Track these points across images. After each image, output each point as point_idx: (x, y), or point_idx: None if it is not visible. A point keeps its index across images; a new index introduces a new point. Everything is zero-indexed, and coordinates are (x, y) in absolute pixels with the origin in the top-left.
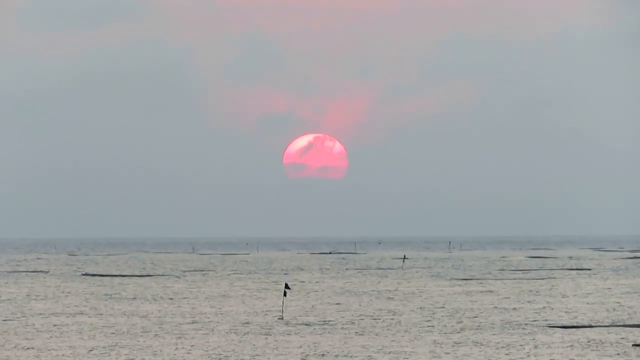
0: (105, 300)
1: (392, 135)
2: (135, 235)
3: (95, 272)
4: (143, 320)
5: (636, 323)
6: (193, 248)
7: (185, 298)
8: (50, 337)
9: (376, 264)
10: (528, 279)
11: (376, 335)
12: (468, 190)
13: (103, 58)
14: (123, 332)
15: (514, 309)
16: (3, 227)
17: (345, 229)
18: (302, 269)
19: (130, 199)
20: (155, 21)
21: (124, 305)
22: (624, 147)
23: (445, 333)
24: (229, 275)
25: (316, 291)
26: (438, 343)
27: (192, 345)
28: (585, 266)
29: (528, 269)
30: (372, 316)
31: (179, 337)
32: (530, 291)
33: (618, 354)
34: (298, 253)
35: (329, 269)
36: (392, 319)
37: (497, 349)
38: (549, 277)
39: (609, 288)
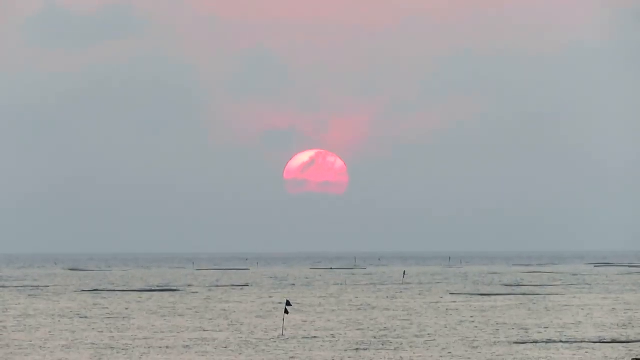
0: (102, 316)
1: (393, 151)
2: (135, 251)
3: (93, 288)
4: (136, 335)
5: (636, 339)
6: (193, 263)
7: (183, 314)
8: (46, 353)
9: (376, 279)
10: (528, 294)
11: (379, 352)
12: (469, 206)
13: (105, 74)
14: (115, 348)
15: (515, 324)
16: (3, 243)
17: (346, 245)
18: (303, 285)
19: (129, 214)
20: (157, 37)
21: (120, 321)
22: (625, 163)
23: (447, 349)
24: (228, 290)
25: (317, 308)
26: (442, 357)
27: None
28: (585, 281)
29: (528, 284)
30: (375, 331)
31: (175, 354)
32: (530, 307)
33: None
34: (298, 269)
35: (330, 284)
36: (397, 334)
37: None
38: (550, 293)
39: (609, 303)
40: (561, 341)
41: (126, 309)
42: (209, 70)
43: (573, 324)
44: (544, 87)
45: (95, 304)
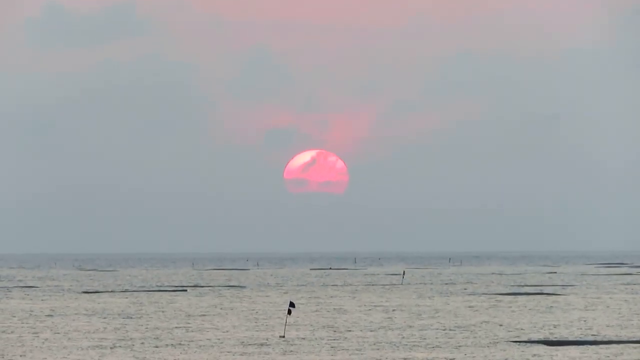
0: (103, 315)
1: (394, 152)
2: (134, 251)
3: (95, 289)
4: (137, 335)
5: (637, 339)
6: (193, 264)
7: (181, 314)
8: (47, 352)
9: (375, 280)
10: (529, 294)
11: (380, 353)
12: (469, 206)
13: (107, 74)
14: (115, 347)
15: (515, 323)
16: (6, 243)
17: (346, 245)
18: (303, 285)
19: (129, 214)
20: (159, 37)
21: (121, 321)
22: (626, 163)
23: (448, 349)
24: (229, 291)
25: (317, 308)
26: (443, 357)
27: None
28: (587, 282)
29: (529, 284)
30: (375, 332)
31: (172, 354)
32: (531, 307)
33: None
34: (298, 269)
35: (330, 284)
36: (396, 335)
37: None
38: (552, 293)
39: (611, 303)
40: (563, 341)
41: (126, 309)
42: (211, 70)
43: (574, 323)
44: (545, 88)
45: (96, 304)
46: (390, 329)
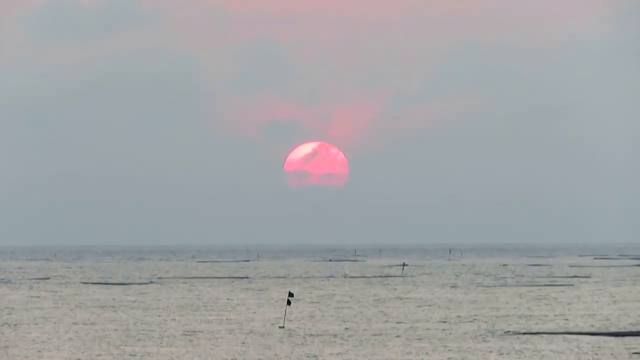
0: (102, 307)
1: (396, 144)
2: (134, 243)
3: (95, 280)
4: (135, 327)
5: (636, 331)
6: (193, 256)
7: (182, 305)
8: (45, 345)
9: (376, 271)
10: (529, 286)
11: (384, 345)
12: (470, 198)
13: (109, 66)
14: (117, 339)
15: (515, 315)
16: (6, 235)
17: (346, 237)
18: (303, 277)
19: (130, 206)
20: (161, 29)
21: (120, 313)
22: (627, 156)
23: (448, 340)
24: (228, 282)
25: (316, 300)
26: (443, 349)
27: (185, 352)
28: (587, 274)
29: (529, 276)
30: (374, 324)
31: (172, 345)
32: (530, 298)
33: None
34: (298, 260)
35: (330, 276)
36: (395, 327)
37: (497, 356)
38: (551, 285)
39: (609, 295)
40: (561, 333)
41: (127, 301)
42: (213, 62)
43: (572, 315)
44: (546, 80)
45: (97, 296)
46: (387, 320)
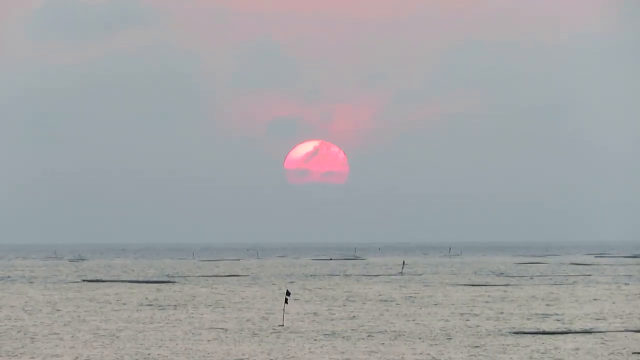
0: (104, 306)
1: (397, 142)
2: (135, 241)
3: (96, 278)
4: (136, 326)
5: (636, 329)
6: (193, 254)
7: (182, 304)
8: (50, 345)
9: (375, 270)
10: (528, 285)
11: (382, 344)
12: (470, 196)
13: (110, 64)
14: (116, 337)
15: (515, 314)
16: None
17: (346, 235)
18: (303, 275)
19: (131, 204)
20: (164, 27)
21: (123, 312)
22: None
23: (448, 339)
24: (229, 280)
25: (316, 298)
26: (443, 347)
27: (185, 350)
28: (587, 272)
29: (529, 274)
30: (373, 323)
31: (172, 343)
32: (530, 297)
33: None
34: (298, 259)
35: (329, 274)
36: (395, 325)
37: (495, 353)
38: (551, 283)
39: (609, 294)
40: (561, 331)
41: (120, 300)
42: (214, 61)
43: (573, 314)
44: (547, 77)
45: (96, 294)
46: (386, 319)
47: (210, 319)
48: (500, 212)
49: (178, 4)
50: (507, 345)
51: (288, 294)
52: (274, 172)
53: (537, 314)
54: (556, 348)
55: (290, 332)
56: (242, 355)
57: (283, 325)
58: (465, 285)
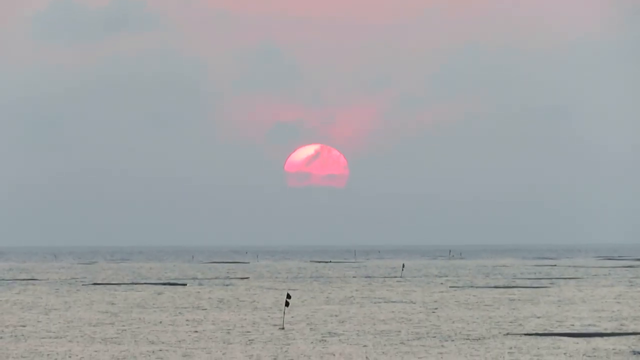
0: (104, 307)
1: (398, 146)
2: (134, 243)
3: (99, 281)
4: (138, 329)
5: (636, 331)
6: (193, 256)
7: (182, 307)
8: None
9: (375, 272)
10: (530, 287)
11: (385, 346)
12: (471, 199)
13: (114, 68)
14: (117, 339)
15: (516, 316)
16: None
17: (346, 238)
18: (303, 278)
19: (132, 207)
20: (167, 31)
21: (126, 315)
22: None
23: (448, 342)
24: (228, 283)
25: (316, 301)
26: (444, 350)
27: (184, 352)
28: (587, 274)
29: (531, 277)
30: (374, 326)
31: (171, 347)
32: (533, 299)
33: None
34: (298, 262)
35: (329, 277)
36: (395, 328)
37: (498, 356)
38: (551, 286)
39: (613, 296)
40: (564, 333)
41: (112, 302)
42: (218, 64)
43: (576, 316)
44: (549, 81)
45: (98, 297)
46: (387, 322)
47: (210, 322)
48: (501, 215)
49: (181, 8)
50: (504, 347)
51: (289, 296)
52: (275, 175)
53: (539, 316)
54: (557, 350)
55: (291, 335)
56: (243, 358)
57: (283, 328)
58: (464, 287)
